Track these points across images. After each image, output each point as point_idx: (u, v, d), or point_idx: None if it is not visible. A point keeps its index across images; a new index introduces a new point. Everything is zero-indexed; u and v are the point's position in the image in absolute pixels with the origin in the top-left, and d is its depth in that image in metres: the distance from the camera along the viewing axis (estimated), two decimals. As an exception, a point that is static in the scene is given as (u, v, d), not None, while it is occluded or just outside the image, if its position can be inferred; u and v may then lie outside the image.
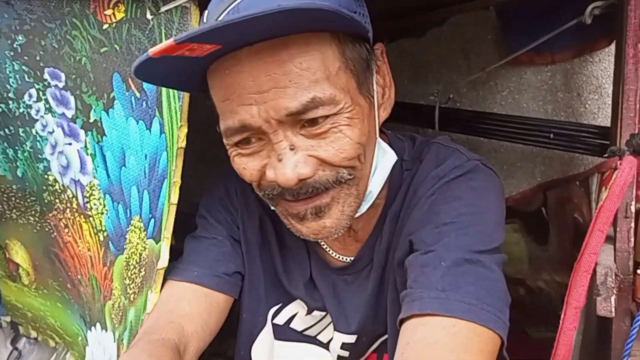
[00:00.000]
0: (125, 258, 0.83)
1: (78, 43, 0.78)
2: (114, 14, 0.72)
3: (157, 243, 0.77)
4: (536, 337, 1.43)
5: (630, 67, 0.65)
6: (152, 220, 0.77)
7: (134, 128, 0.75)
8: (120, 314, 0.86)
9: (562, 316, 0.62)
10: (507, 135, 1.26)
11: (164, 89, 0.71)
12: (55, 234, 0.97)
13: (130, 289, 0.83)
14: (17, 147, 0.96)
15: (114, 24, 0.73)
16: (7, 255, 1.14)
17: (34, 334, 1.22)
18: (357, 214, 0.65)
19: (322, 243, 0.76)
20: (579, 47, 1.23)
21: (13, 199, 1.04)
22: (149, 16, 0.69)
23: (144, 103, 0.73)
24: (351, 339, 0.76)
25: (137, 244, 0.80)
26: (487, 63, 1.32)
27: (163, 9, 0.67)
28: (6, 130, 0.96)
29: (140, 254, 0.81)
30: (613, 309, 0.63)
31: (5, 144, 0.98)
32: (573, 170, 1.30)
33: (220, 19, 0.55)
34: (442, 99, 1.35)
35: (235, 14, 0.53)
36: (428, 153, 0.69)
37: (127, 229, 0.81)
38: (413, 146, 0.72)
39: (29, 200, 1.00)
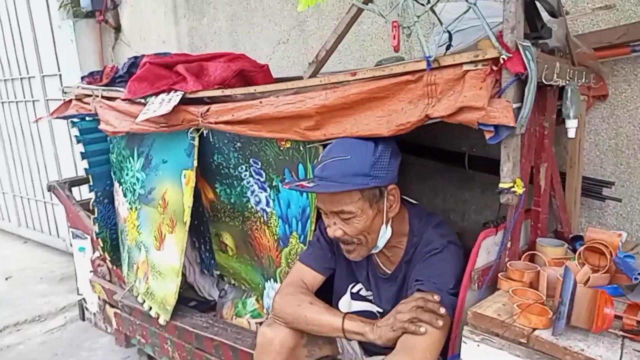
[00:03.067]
0: (289, 250, 1.73)
1: (267, 151, 1.66)
2: (285, 143, 1.59)
3: (303, 245, 1.66)
4: None
5: None
6: (302, 236, 1.66)
7: (296, 192, 1.63)
8: (284, 276, 1.77)
9: None
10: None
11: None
12: (250, 232, 1.91)
13: (289, 266, 1.74)
14: (231, 189, 1.91)
15: (285, 148, 1.60)
16: (221, 239, 2.13)
17: (232, 281, 2.22)
18: (374, 251, 1.39)
19: (375, 259, 1.51)
20: None
21: (227, 212, 2.00)
22: (301, 148, 1.54)
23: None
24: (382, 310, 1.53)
25: (295, 244, 1.70)
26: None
27: (310, 145, 1.52)
28: (226, 181, 1.91)
29: (295, 249, 1.70)
30: None
31: (226, 186, 1.93)
32: None
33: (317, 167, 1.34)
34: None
35: (321, 171, 1.29)
36: (426, 232, 1.37)
37: (290, 236, 1.71)
38: (420, 221, 1.40)
39: (236, 214, 1.95)
